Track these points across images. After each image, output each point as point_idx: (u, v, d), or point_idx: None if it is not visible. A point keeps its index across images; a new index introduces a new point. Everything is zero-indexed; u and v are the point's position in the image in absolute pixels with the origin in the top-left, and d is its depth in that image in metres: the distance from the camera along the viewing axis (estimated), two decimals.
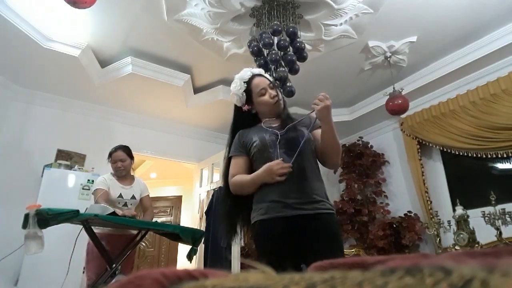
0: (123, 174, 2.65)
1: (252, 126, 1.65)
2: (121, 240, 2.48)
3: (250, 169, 1.58)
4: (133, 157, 2.77)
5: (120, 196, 2.58)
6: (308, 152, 1.54)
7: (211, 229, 3.91)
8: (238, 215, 1.62)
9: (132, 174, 2.81)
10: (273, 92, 1.60)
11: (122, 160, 2.64)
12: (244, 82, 1.63)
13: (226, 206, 1.65)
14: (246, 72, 1.66)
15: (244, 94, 1.63)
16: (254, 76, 1.64)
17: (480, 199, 3.40)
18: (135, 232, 2.60)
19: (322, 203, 1.46)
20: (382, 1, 2.90)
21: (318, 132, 1.56)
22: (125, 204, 2.59)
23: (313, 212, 1.43)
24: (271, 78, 1.69)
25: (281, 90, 1.63)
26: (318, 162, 1.60)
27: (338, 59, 3.70)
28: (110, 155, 2.68)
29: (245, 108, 1.64)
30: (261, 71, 1.70)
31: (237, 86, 1.64)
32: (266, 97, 1.59)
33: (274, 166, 1.42)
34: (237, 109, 1.69)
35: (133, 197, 2.64)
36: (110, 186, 2.57)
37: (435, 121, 3.97)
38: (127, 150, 2.71)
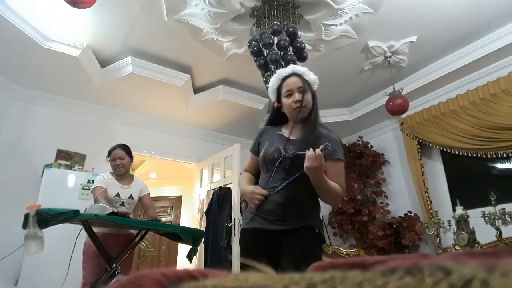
0: (122, 172, 2.64)
1: (279, 124, 1.68)
2: (118, 239, 2.48)
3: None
4: (132, 156, 2.76)
5: (118, 195, 2.56)
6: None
7: (211, 229, 3.91)
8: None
9: (132, 174, 2.80)
10: (298, 97, 1.54)
11: (121, 158, 2.62)
12: (280, 78, 1.62)
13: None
14: (287, 69, 1.63)
15: (276, 90, 1.63)
16: (292, 74, 1.61)
17: (480, 199, 3.40)
18: (133, 231, 2.60)
19: (303, 220, 1.48)
20: (382, 1, 2.90)
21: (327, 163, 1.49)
22: (122, 204, 2.57)
23: (289, 227, 1.47)
24: (314, 81, 1.64)
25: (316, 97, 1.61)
26: None
27: (338, 59, 3.70)
28: (109, 153, 2.67)
29: (276, 104, 1.65)
30: (304, 70, 1.63)
31: (273, 81, 1.63)
32: (290, 100, 1.56)
33: (256, 193, 1.52)
34: (272, 105, 1.71)
35: (131, 197, 2.63)
36: (109, 185, 2.56)
37: (435, 121, 3.97)
38: (126, 148, 2.70)
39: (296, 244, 1.46)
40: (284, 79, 1.60)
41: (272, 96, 1.65)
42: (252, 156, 1.70)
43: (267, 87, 2.75)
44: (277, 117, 1.67)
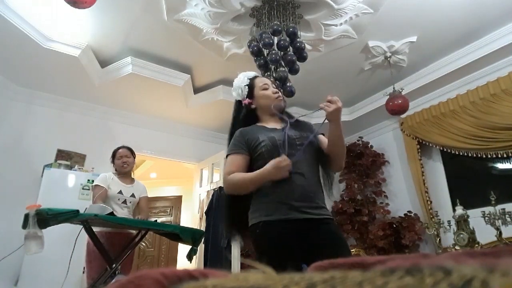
0: (127, 170, 2.72)
1: (251, 124, 1.63)
2: (118, 238, 2.48)
3: (249, 169, 1.51)
4: (135, 157, 2.85)
5: (120, 192, 2.61)
6: (312, 158, 1.53)
7: (211, 229, 3.91)
8: (239, 217, 1.55)
9: (132, 176, 2.86)
10: (275, 89, 1.64)
11: (127, 156, 2.73)
12: (248, 78, 1.67)
13: (228, 207, 1.60)
14: (251, 72, 1.72)
15: (247, 87, 1.65)
16: (257, 76, 1.71)
17: (480, 199, 3.40)
18: (132, 231, 2.61)
19: (324, 209, 1.47)
20: (382, 1, 2.90)
21: (322, 138, 1.60)
22: (125, 202, 2.62)
23: (318, 217, 1.42)
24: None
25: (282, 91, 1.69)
26: (320, 169, 1.59)
27: (338, 59, 3.70)
28: (115, 153, 2.76)
29: (246, 102, 1.63)
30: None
31: (240, 80, 1.67)
32: (269, 91, 1.62)
33: (282, 162, 1.36)
34: (238, 105, 1.70)
35: (133, 196, 2.69)
36: (111, 183, 2.61)
37: (435, 121, 3.97)
38: (130, 149, 2.82)
39: (331, 237, 1.41)
40: (253, 78, 1.68)
41: (239, 95, 1.66)
42: (237, 156, 1.52)
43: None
44: (246, 118, 1.65)
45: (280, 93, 1.64)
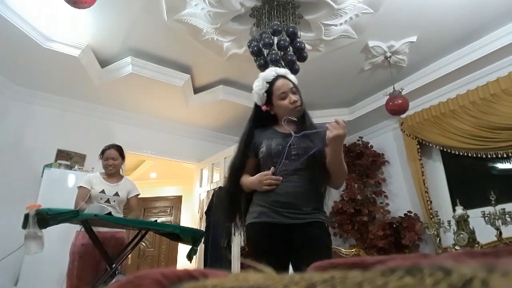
0: (112, 172, 2.69)
1: (268, 126, 1.67)
2: (108, 238, 2.48)
3: (257, 169, 1.63)
4: (124, 157, 2.81)
5: (103, 192, 2.58)
6: (317, 164, 1.53)
7: (211, 229, 3.91)
8: (238, 205, 1.68)
9: (122, 174, 2.84)
10: (294, 97, 1.59)
11: (113, 158, 2.68)
12: (267, 82, 1.62)
13: (228, 195, 1.69)
14: (271, 72, 1.64)
15: (265, 94, 1.62)
16: (278, 77, 1.63)
17: (480, 199, 3.40)
18: (121, 230, 2.60)
19: (312, 214, 1.49)
20: (382, 1, 2.90)
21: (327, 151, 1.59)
22: (108, 201, 2.58)
23: (302, 221, 1.47)
24: (295, 80, 1.68)
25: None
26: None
27: (338, 59, 3.70)
28: (103, 152, 2.72)
29: (264, 108, 1.64)
30: (286, 72, 1.68)
31: (259, 86, 1.63)
32: (286, 102, 1.59)
33: (262, 177, 1.50)
34: (257, 107, 1.69)
35: (117, 194, 2.64)
36: (94, 183, 2.59)
37: (435, 121, 3.97)
38: (120, 149, 2.76)
39: (310, 238, 1.45)
40: (272, 82, 1.62)
41: (259, 100, 1.64)
42: (248, 160, 1.65)
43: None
44: (264, 119, 1.68)
45: (298, 101, 1.60)
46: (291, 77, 1.66)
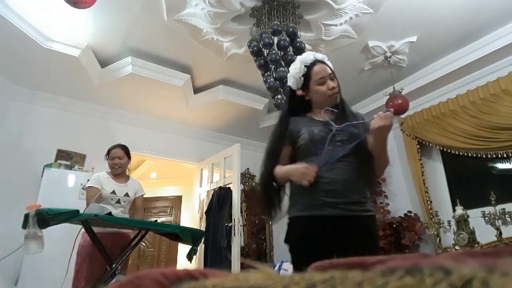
0: (119, 172, 2.67)
1: (303, 114, 1.60)
2: (111, 238, 2.48)
3: (292, 159, 1.54)
4: (130, 157, 2.79)
5: (113, 192, 2.57)
6: (361, 151, 1.47)
7: (211, 229, 3.91)
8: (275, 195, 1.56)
9: (127, 174, 2.82)
10: (332, 84, 1.53)
11: (119, 157, 2.66)
12: (305, 66, 1.56)
13: (266, 187, 1.57)
14: (309, 56, 1.58)
15: (302, 78, 1.56)
16: (316, 61, 1.56)
17: (480, 199, 3.40)
18: (126, 230, 2.60)
19: (361, 204, 1.42)
20: (382, 1, 2.90)
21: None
22: (118, 201, 2.58)
23: (353, 214, 1.39)
24: (330, 64, 1.60)
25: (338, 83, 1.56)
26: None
27: (338, 59, 3.68)
28: (108, 152, 2.71)
29: (299, 93, 1.57)
30: (324, 57, 1.61)
31: (296, 69, 1.57)
32: (324, 88, 1.53)
33: (307, 169, 1.37)
34: (292, 93, 1.62)
35: (127, 195, 2.64)
36: (104, 183, 2.57)
37: (435, 121, 3.97)
38: (125, 149, 2.75)
39: (362, 234, 1.38)
40: (310, 66, 1.55)
41: (295, 84, 1.57)
42: (283, 148, 1.54)
43: (268, 87, 2.66)
44: (299, 107, 1.60)
45: (336, 87, 1.54)
46: (329, 63, 1.60)
